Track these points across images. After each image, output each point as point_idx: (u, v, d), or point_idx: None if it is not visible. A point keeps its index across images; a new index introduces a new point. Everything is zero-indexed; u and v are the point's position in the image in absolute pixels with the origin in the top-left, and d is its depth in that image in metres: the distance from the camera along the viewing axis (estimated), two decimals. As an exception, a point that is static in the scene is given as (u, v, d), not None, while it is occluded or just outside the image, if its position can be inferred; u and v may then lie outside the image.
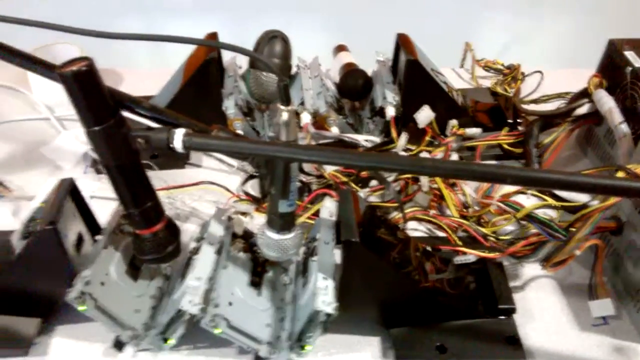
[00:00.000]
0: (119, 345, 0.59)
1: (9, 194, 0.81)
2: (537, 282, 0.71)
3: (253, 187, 0.82)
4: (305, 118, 0.84)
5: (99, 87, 0.46)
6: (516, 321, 0.63)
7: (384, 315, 0.63)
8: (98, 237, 0.63)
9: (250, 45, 0.83)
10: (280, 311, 0.63)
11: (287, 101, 0.47)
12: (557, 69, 1.10)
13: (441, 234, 0.75)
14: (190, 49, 0.91)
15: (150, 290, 0.64)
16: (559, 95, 0.98)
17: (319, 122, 0.87)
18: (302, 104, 0.86)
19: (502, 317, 0.63)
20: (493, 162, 0.90)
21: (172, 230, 0.57)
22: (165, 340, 0.60)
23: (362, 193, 0.81)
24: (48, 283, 0.60)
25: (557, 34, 1.61)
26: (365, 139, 0.86)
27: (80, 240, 0.62)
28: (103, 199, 0.79)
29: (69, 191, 0.60)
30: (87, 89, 0.45)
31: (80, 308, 0.54)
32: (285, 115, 0.47)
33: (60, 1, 1.41)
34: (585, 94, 0.82)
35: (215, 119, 0.84)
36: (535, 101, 1.00)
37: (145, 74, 1.12)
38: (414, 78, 0.83)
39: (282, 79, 0.45)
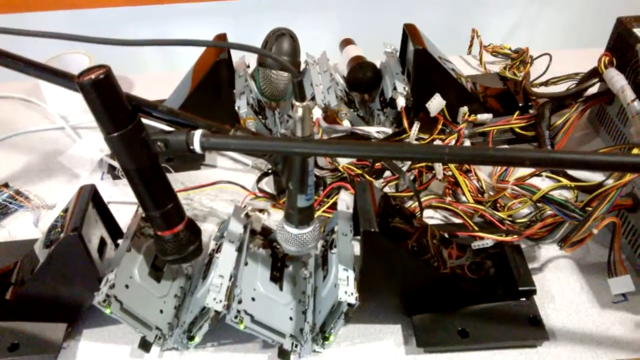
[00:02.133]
0: (145, 345, 0.60)
1: (28, 203, 0.82)
2: (555, 263, 0.71)
3: (268, 184, 0.83)
4: (317, 113, 0.84)
5: (117, 94, 0.47)
6: (536, 302, 0.64)
7: (404, 303, 0.63)
8: (120, 241, 0.64)
9: (257, 45, 0.83)
10: (301, 304, 0.64)
11: (301, 97, 0.47)
12: (566, 50, 1.09)
13: (457, 220, 0.76)
14: (198, 51, 0.92)
15: (173, 290, 0.65)
16: (568, 77, 0.97)
17: (330, 116, 0.87)
18: (312, 99, 0.86)
19: (523, 299, 0.63)
20: (506, 146, 0.90)
21: (193, 230, 0.58)
22: (190, 338, 0.61)
23: (377, 184, 0.81)
24: (73, 288, 0.61)
25: (563, 15, 1.60)
26: (377, 131, 0.87)
27: (102, 244, 0.63)
28: (120, 204, 0.81)
29: (91, 197, 0.61)
30: (105, 96, 0.46)
31: (107, 311, 0.56)
32: (300, 111, 0.47)
33: (67, 13, 1.43)
34: (595, 73, 0.82)
35: (228, 119, 0.85)
36: (545, 83, 1.00)
37: (155, 78, 1.14)
38: (423, 67, 0.83)
39: (296, 75, 0.46)
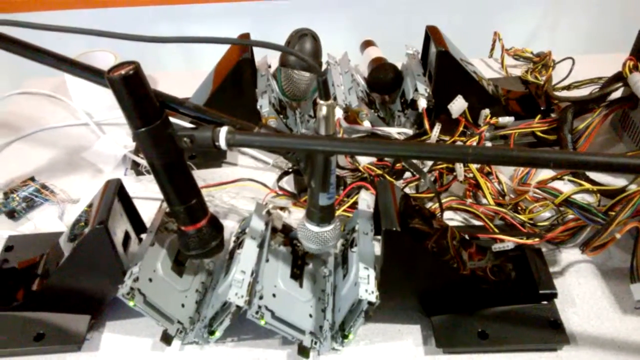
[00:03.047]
0: (166, 338, 0.61)
1: (54, 197, 0.84)
2: (576, 267, 0.70)
3: (288, 183, 0.84)
4: (338, 113, 0.85)
5: (146, 90, 0.48)
6: (557, 306, 0.63)
7: (424, 303, 0.63)
8: (143, 236, 0.65)
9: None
10: (321, 302, 0.64)
11: (326, 96, 0.48)
12: (589, 54, 1.09)
13: (478, 222, 0.76)
14: (219, 52, 0.93)
15: (195, 285, 0.66)
16: (591, 81, 0.97)
17: (351, 116, 0.88)
18: (334, 99, 0.87)
19: (544, 302, 0.63)
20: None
21: (216, 226, 0.59)
22: (211, 333, 0.62)
23: (397, 185, 0.81)
24: (98, 280, 0.62)
25: (586, 19, 1.58)
26: (397, 132, 0.87)
27: (127, 238, 0.64)
28: (143, 199, 0.82)
29: (117, 191, 0.62)
30: (134, 91, 0.47)
31: (130, 303, 0.56)
32: (324, 110, 0.48)
33: (90, 12, 1.45)
34: (619, 77, 0.81)
35: (250, 117, 0.85)
36: (567, 87, 0.99)
37: (178, 77, 1.15)
38: (445, 69, 0.83)
39: (321, 74, 0.46)
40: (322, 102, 0.48)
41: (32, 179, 0.87)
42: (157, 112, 0.49)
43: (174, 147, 0.50)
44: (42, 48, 0.54)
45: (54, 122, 1.02)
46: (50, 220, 0.80)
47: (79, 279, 0.62)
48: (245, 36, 0.90)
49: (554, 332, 0.61)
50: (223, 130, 0.48)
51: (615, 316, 0.64)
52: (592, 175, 0.80)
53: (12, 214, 0.81)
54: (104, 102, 1.00)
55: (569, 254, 0.72)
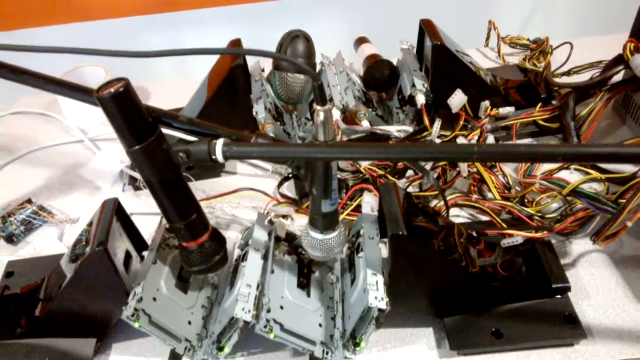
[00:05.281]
0: (175, 358, 0.60)
1: (52, 218, 0.83)
2: (588, 258, 0.69)
3: (289, 189, 0.82)
4: (335, 114, 0.83)
5: (137, 107, 0.46)
6: (571, 300, 0.62)
7: (435, 305, 0.62)
8: (145, 254, 0.64)
9: (272, 48, 0.83)
10: (330, 310, 0.63)
11: (322, 101, 0.46)
12: (587, 37, 1.07)
13: (485, 218, 0.74)
14: (212, 59, 0.91)
15: (200, 301, 0.65)
16: (591, 65, 0.95)
17: (349, 117, 0.86)
18: (330, 100, 0.85)
19: (557, 296, 0.62)
20: (530, 139, 0.88)
21: (218, 240, 0.58)
22: (220, 349, 0.60)
23: (400, 184, 0.80)
24: (102, 303, 0.61)
25: (582, 0, 1.56)
26: (397, 130, 0.85)
27: (128, 258, 0.63)
28: (142, 215, 0.81)
29: (115, 211, 0.60)
30: (125, 109, 0.45)
31: (136, 325, 0.55)
32: (322, 115, 0.46)
33: (81, 26, 1.44)
34: (620, 60, 0.79)
35: (246, 124, 0.84)
36: (567, 73, 0.97)
37: (170, 87, 1.14)
38: (442, 62, 0.82)
39: (316, 79, 0.45)
40: (319, 107, 0.47)
41: (29, 201, 0.85)
42: (150, 128, 0.48)
43: (170, 163, 0.49)
44: (30, 70, 0.53)
45: (49, 141, 1.01)
46: (50, 242, 0.79)
47: (83, 302, 0.61)
48: (237, 42, 0.88)
49: (570, 326, 0.60)
50: (219, 143, 0.47)
51: (632, 306, 0.63)
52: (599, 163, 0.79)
53: (10, 239, 0.80)
54: (97, 118, 0.98)
55: (580, 245, 0.70)
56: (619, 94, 0.83)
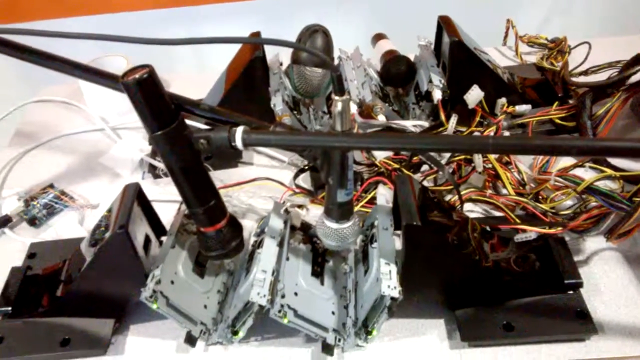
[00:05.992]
0: (190, 340, 0.61)
1: (73, 203, 0.85)
2: (601, 255, 0.69)
3: (305, 180, 0.83)
4: (352, 108, 0.84)
5: (161, 93, 0.47)
6: (583, 296, 0.62)
7: (447, 296, 0.63)
8: (163, 238, 0.65)
9: (291, 42, 0.84)
10: (343, 299, 0.64)
11: (341, 91, 0.47)
12: (605, 37, 1.06)
13: (498, 213, 0.75)
14: (230, 52, 0.92)
15: (216, 285, 0.66)
16: (609, 65, 0.95)
17: (365, 111, 0.87)
18: (347, 94, 0.86)
19: (569, 292, 0.62)
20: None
21: (235, 226, 0.59)
22: (235, 333, 0.62)
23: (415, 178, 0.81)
24: (120, 284, 0.63)
25: (600, 0, 1.55)
26: (413, 125, 0.86)
27: (147, 241, 0.64)
28: (161, 202, 0.82)
29: (136, 195, 0.62)
30: (149, 95, 0.47)
31: (154, 306, 0.57)
32: (340, 105, 0.47)
33: (100, 18, 1.46)
34: (638, 60, 0.79)
35: (263, 116, 0.85)
36: (584, 73, 0.97)
37: (189, 78, 1.15)
38: (459, 59, 0.82)
39: (335, 70, 0.46)
40: (337, 97, 0.48)
41: (52, 185, 0.88)
42: (172, 114, 0.49)
43: (190, 149, 0.50)
44: (56, 55, 0.54)
45: (70, 129, 1.03)
46: (70, 226, 0.81)
47: (102, 283, 0.62)
48: (256, 35, 0.90)
49: (581, 322, 0.60)
50: (239, 130, 0.48)
51: (644, 303, 0.63)
52: (614, 161, 0.79)
53: (33, 221, 0.82)
54: (118, 107, 1.00)
55: (593, 242, 0.70)
56: (636, 93, 0.83)
